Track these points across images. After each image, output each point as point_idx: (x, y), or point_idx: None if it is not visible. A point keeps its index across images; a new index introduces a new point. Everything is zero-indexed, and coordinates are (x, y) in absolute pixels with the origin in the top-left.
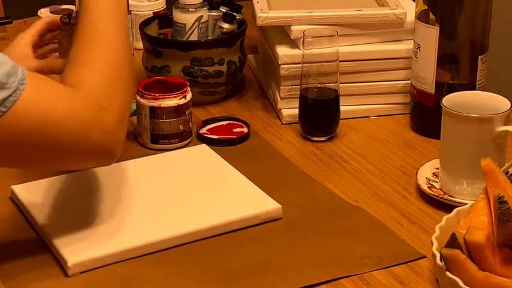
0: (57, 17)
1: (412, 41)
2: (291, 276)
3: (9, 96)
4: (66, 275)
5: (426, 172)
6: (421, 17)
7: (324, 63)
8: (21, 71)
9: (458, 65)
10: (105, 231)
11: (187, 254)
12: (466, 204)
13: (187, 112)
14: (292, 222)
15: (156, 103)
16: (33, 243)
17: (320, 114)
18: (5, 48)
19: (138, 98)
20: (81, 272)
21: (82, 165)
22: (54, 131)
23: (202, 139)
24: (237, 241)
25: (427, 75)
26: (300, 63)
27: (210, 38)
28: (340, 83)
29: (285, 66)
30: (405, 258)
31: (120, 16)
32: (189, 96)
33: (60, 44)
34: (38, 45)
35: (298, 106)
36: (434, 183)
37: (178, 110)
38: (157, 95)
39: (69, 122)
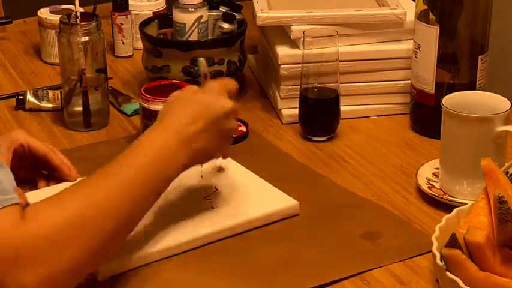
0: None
1: (412, 41)
2: (318, 271)
3: None
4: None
5: (426, 172)
6: (421, 17)
7: (324, 63)
8: (15, 198)
9: (458, 65)
10: None
11: (211, 254)
12: (466, 204)
13: None
14: (309, 218)
15: (159, 107)
16: None
17: (320, 114)
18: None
19: (141, 102)
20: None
21: None
22: None
23: None
24: (259, 239)
25: (427, 75)
26: (300, 63)
27: (210, 38)
28: (340, 83)
29: (285, 66)
30: (425, 249)
31: (150, 187)
32: None
33: (59, 44)
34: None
35: (298, 106)
36: (434, 183)
37: None
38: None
39: None
